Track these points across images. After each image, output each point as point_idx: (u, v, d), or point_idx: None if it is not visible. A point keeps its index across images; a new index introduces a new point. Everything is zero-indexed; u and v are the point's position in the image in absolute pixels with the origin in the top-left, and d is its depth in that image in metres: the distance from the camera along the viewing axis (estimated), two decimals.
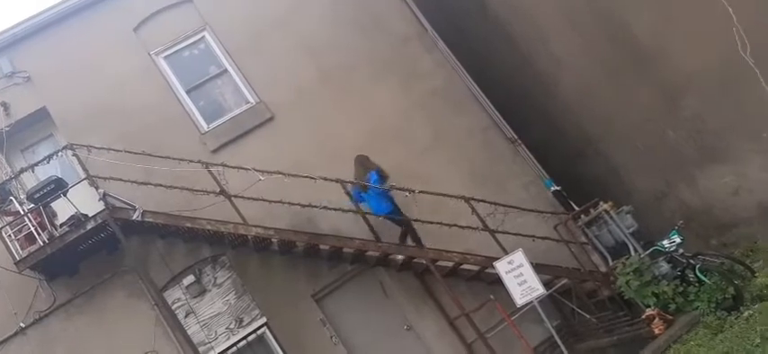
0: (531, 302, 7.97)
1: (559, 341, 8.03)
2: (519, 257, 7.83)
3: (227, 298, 9.96)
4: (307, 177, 9.35)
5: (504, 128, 11.33)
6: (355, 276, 10.34)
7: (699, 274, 8.14)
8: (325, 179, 9.47)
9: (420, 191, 9.67)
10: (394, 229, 9.96)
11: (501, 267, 7.87)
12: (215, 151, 10.35)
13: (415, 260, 10.04)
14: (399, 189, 9.66)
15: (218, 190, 9.14)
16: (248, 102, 10.86)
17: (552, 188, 10.90)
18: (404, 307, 10.32)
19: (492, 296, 8.61)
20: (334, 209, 9.45)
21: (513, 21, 11.60)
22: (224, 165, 9.31)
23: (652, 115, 10.11)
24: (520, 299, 7.82)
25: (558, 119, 11.67)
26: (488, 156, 11.13)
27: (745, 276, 8.04)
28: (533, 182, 10.98)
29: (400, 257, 9.98)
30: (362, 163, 9.98)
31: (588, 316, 9.67)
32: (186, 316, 9.66)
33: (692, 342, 7.57)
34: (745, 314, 7.22)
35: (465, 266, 9.93)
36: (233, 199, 9.18)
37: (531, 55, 11.65)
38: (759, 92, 8.47)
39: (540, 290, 7.79)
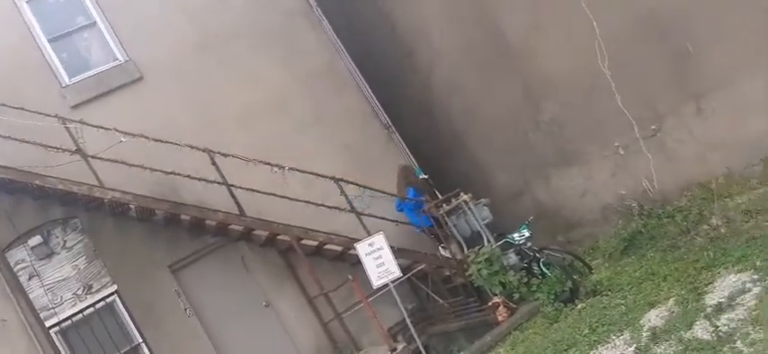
0: (387, 284, 8.16)
1: (410, 324, 8.28)
2: (379, 240, 8.00)
3: (76, 263, 9.46)
4: (172, 143, 9.07)
5: (380, 114, 11.51)
6: (216, 249, 10.17)
7: (542, 267, 8.68)
8: (192, 146, 9.22)
9: (291, 169, 9.64)
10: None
11: (361, 249, 8.01)
12: (75, 107, 9.73)
13: (279, 237, 10.04)
14: (270, 164, 9.58)
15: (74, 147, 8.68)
16: (116, 59, 10.30)
17: (421, 176, 11.21)
18: (264, 283, 10.28)
19: (350, 277, 8.75)
20: (199, 179, 9.21)
21: (397, 9, 11.77)
22: (82, 122, 8.81)
23: (515, 115, 10.61)
24: (376, 281, 8.00)
25: (432, 111, 11.98)
26: (363, 140, 11.24)
27: (582, 272, 8.62)
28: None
29: (264, 233, 9.94)
30: (406, 175, 10.26)
31: (441, 301, 10.07)
32: (30, 279, 9.07)
33: (530, 330, 8.06)
34: (579, 306, 7.77)
35: (329, 246, 10.04)
36: (90, 159, 8.73)
37: (411, 45, 11.87)
38: (613, 102, 9.11)
39: (396, 273, 8.01)
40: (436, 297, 10.39)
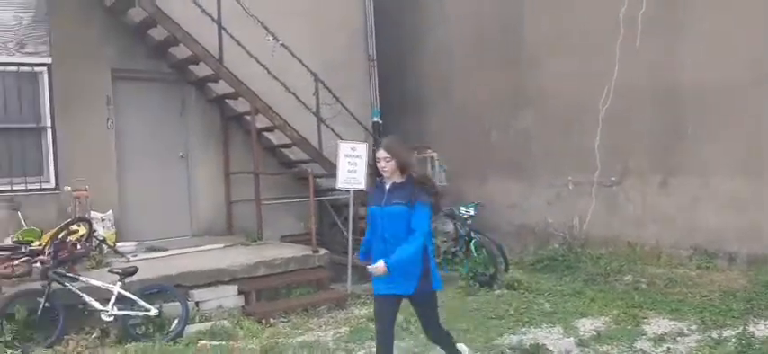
0: (349, 191, 8.34)
1: (350, 239, 8.44)
2: (362, 149, 8.13)
3: (21, 14, 8.65)
4: None
5: (370, 42, 11.61)
6: (163, 80, 9.88)
7: (473, 246, 9.19)
8: None
9: (282, 44, 9.53)
10: None
11: (343, 148, 8.10)
12: None
13: (230, 100, 9.83)
14: (268, 30, 9.39)
15: None
16: None
17: (375, 119, 11.43)
18: (192, 137, 10.16)
19: (309, 169, 8.84)
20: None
21: None
22: None
23: (498, 111, 10.85)
24: (341, 183, 8.14)
25: (420, 66, 12.17)
26: (344, 57, 11.21)
27: (500, 267, 9.21)
28: (366, 104, 11.42)
29: (224, 91, 9.67)
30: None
31: (346, 233, 10.36)
32: None
33: (446, 295, 8.52)
34: (497, 292, 8.36)
35: (272, 135, 10.21)
36: None
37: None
38: (592, 139, 9.57)
39: (362, 185, 8.19)
40: (343, 229, 10.60)
